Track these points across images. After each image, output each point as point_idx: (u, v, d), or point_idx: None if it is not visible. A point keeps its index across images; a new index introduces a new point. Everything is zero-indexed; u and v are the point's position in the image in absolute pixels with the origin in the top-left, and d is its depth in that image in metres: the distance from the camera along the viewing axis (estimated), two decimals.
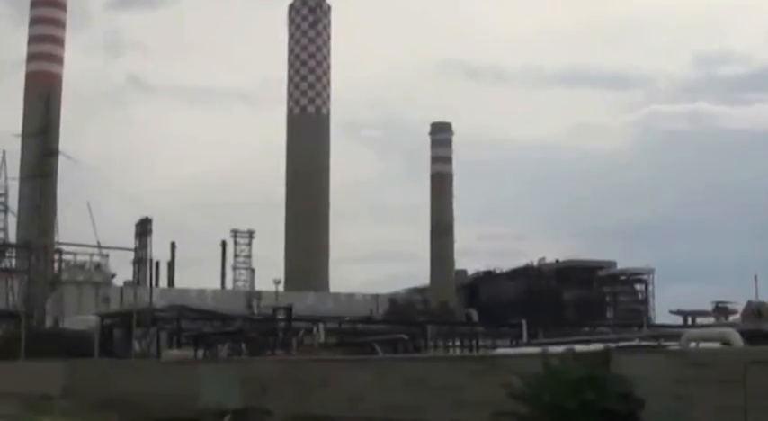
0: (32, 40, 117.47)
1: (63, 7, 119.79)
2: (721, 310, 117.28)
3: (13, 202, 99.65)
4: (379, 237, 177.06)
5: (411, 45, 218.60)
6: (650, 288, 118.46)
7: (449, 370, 20.33)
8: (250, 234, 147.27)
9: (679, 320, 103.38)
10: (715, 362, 15.06)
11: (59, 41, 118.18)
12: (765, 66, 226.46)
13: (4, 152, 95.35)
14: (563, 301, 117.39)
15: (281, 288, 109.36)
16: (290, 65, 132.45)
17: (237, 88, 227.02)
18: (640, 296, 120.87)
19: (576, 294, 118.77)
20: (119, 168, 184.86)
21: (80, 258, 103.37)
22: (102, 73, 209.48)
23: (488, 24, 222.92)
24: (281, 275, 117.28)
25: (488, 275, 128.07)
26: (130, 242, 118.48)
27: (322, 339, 48.27)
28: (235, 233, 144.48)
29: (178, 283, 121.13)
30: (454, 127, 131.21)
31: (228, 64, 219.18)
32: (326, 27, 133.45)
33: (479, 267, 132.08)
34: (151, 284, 79.76)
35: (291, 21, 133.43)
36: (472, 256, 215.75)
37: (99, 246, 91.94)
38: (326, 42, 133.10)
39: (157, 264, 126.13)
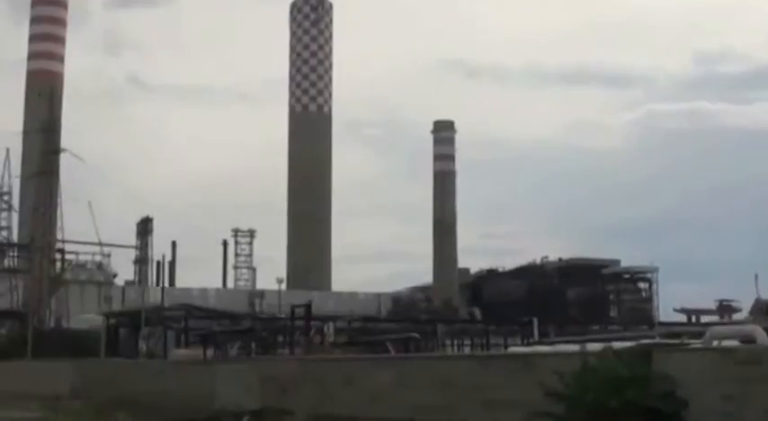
0: (33, 38, 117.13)
1: (64, 5, 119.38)
2: (725, 308, 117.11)
3: (15, 201, 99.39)
4: (380, 236, 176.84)
5: (411, 44, 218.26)
6: (654, 286, 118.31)
7: (479, 369, 19.77)
8: (251, 233, 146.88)
9: (680, 318, 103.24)
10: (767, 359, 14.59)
11: (60, 40, 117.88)
12: (765, 64, 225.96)
13: (7, 150, 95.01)
14: (567, 300, 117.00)
15: (283, 287, 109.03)
16: (292, 63, 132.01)
17: (238, 87, 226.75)
18: (644, 294, 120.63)
19: (579, 292, 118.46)
20: (119, 167, 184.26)
21: (82, 257, 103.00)
22: (102, 72, 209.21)
23: (488, 23, 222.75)
24: (283, 274, 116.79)
25: (491, 274, 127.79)
26: (131, 241, 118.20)
27: (332, 338, 47.74)
28: (236, 232, 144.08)
29: (179, 283, 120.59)
30: (455, 126, 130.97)
31: (230, 63, 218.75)
32: (328, 25, 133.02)
33: (480, 266, 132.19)
34: (163, 284, 79.23)
35: (293, 19, 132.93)
36: (473, 255, 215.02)
37: (100, 244, 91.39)
38: (328, 40, 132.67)
39: (158, 263, 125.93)
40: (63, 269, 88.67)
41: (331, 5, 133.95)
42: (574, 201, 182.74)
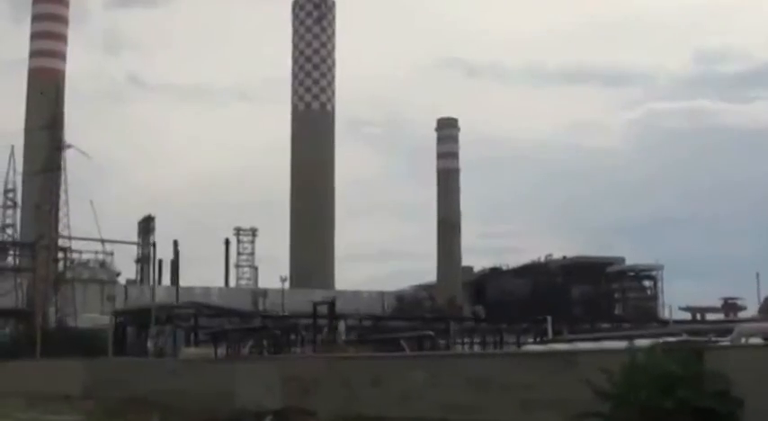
0: (35, 36, 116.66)
1: (65, 3, 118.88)
2: (730, 306, 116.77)
3: (18, 199, 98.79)
4: (381, 235, 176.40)
5: (412, 42, 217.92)
6: (659, 284, 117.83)
7: (515, 367, 19.23)
8: (253, 232, 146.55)
9: (683, 317, 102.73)
10: None
11: (62, 37, 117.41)
12: (766, 62, 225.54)
13: (12, 147, 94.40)
14: (571, 298, 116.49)
15: (286, 285, 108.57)
16: (294, 61, 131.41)
17: (240, 86, 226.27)
18: (649, 292, 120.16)
19: (584, 291, 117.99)
20: (120, 166, 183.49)
21: (85, 256, 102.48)
22: (102, 71, 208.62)
23: (489, 22, 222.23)
24: (285, 273, 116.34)
25: (495, 272, 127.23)
26: (133, 239, 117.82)
27: (343, 336, 47.26)
28: (238, 231, 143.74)
29: (181, 281, 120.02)
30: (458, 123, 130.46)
31: (231, 61, 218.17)
32: (331, 23, 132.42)
33: (481, 265, 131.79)
34: (177, 282, 78.50)
35: (295, 17, 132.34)
36: (473, 254, 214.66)
37: (103, 240, 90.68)
38: (331, 38, 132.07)
39: (160, 262, 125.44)
40: (66, 267, 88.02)
41: (333, 3, 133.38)
42: (574, 199, 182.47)
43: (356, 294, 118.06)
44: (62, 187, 79.02)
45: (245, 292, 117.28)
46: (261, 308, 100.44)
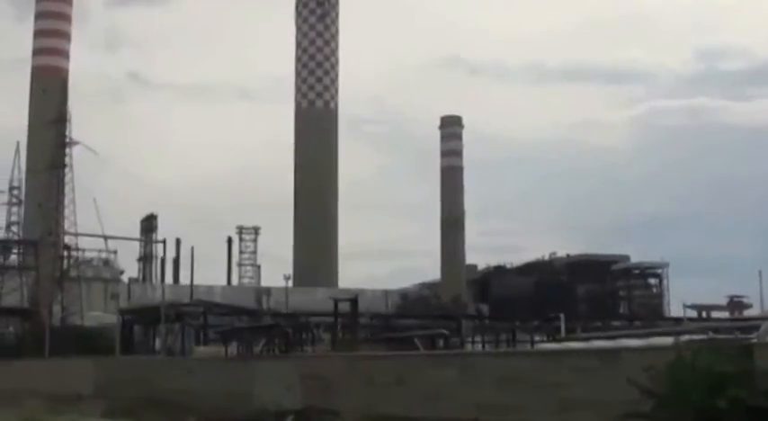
0: (38, 34, 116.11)
1: (69, 1, 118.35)
2: (736, 304, 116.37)
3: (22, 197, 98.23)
4: (383, 233, 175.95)
5: (413, 41, 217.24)
6: (665, 282, 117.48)
7: (550, 366, 18.71)
8: (255, 230, 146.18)
9: (684, 315, 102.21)
10: None
11: (65, 35, 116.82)
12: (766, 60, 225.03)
13: (17, 143, 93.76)
14: (575, 296, 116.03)
15: (290, 283, 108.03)
16: (298, 59, 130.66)
17: (242, 84, 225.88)
18: (654, 290, 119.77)
19: (589, 289, 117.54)
20: (121, 165, 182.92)
21: (88, 254, 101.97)
22: (103, 69, 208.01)
23: (490, 21, 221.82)
24: (287, 271, 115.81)
25: (499, 270, 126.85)
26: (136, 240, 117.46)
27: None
28: (240, 229, 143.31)
29: (183, 280, 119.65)
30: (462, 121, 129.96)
31: (233, 59, 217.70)
32: (334, 21, 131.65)
33: (480, 263, 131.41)
34: (192, 280, 77.86)
35: (299, 14, 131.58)
36: (474, 252, 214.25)
37: (106, 237, 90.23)
38: (334, 36, 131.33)
39: (163, 260, 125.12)
40: (69, 265, 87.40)
41: (337, 0, 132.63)
42: (575, 198, 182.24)
43: (360, 293, 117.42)
44: (69, 184, 78.40)
45: (248, 291, 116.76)
46: (264, 306, 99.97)
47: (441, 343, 44.20)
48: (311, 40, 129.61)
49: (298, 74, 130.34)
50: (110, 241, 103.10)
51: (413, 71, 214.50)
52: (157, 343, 54.00)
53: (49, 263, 77.47)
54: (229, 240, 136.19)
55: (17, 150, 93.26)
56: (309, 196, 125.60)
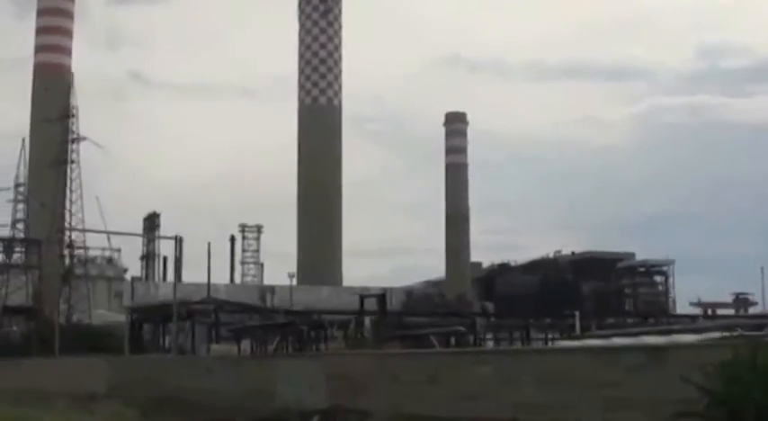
0: (40, 31, 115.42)
1: None
2: (741, 302, 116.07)
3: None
4: (385, 231, 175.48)
5: (415, 39, 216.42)
6: (670, 279, 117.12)
7: (595, 363, 18.11)
8: (258, 229, 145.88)
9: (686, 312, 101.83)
10: None
11: (67, 32, 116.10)
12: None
13: (23, 140, 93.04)
14: (581, 294, 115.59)
15: (294, 281, 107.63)
16: (301, 56, 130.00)
17: (245, 82, 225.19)
18: (660, 288, 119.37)
19: (594, 287, 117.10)
20: (123, 163, 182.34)
21: (92, 253, 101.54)
22: (105, 68, 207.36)
23: (491, 19, 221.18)
24: (288, 269, 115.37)
25: (503, 268, 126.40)
26: (138, 239, 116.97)
27: (368, 333, 46.20)
28: (243, 228, 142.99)
29: (186, 278, 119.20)
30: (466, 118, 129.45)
31: (236, 57, 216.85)
32: (337, 17, 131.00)
33: (485, 261, 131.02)
34: (209, 277, 76.98)
35: (301, 11, 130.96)
36: (475, 250, 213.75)
37: (108, 233, 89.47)
38: (338, 32, 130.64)
39: (165, 259, 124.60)
40: (72, 263, 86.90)
41: None
42: (575, 196, 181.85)
43: (364, 291, 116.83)
44: (76, 181, 77.85)
45: (252, 289, 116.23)
46: (269, 304, 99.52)
47: (454, 340, 43.66)
48: (314, 37, 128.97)
49: (301, 71, 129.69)
50: (113, 240, 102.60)
51: (414, 69, 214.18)
52: (167, 341, 53.61)
53: (54, 262, 76.88)
54: (232, 238, 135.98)
55: (23, 147, 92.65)
56: (313, 193, 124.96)
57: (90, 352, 52.30)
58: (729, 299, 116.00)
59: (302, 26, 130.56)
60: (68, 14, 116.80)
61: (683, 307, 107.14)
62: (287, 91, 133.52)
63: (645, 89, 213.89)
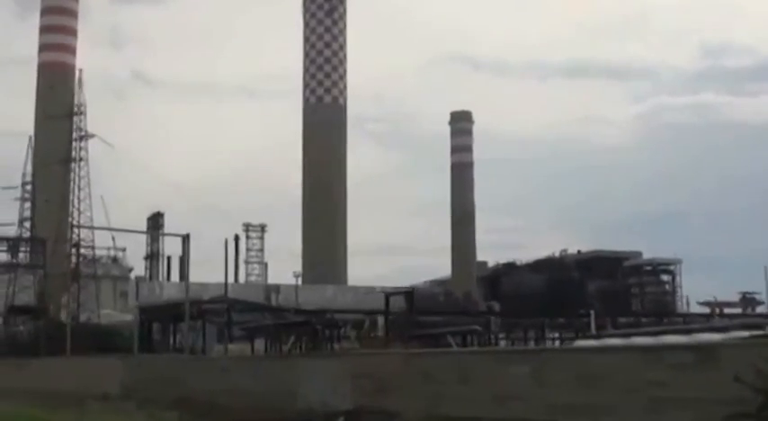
0: (44, 29, 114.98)
1: None
2: (748, 301, 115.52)
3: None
4: (388, 231, 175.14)
5: (417, 38, 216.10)
6: (678, 278, 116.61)
7: (639, 363, 17.49)
8: (262, 228, 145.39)
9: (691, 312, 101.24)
10: None
11: (72, 31, 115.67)
12: None
13: (30, 137, 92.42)
14: (587, 293, 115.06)
15: (299, 281, 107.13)
16: (306, 54, 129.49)
17: (249, 81, 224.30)
18: (667, 287, 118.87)
19: (600, 286, 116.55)
20: (126, 163, 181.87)
21: (97, 252, 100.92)
22: (108, 67, 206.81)
23: (495, 17, 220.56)
24: (294, 269, 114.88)
25: (509, 267, 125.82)
26: (141, 236, 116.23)
27: (380, 332, 45.70)
28: (247, 227, 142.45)
29: (190, 278, 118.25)
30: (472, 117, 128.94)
31: (240, 57, 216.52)
32: (342, 16, 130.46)
33: (489, 260, 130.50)
34: (226, 276, 76.38)
35: (306, 9, 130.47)
36: (481, 250, 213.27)
37: (111, 229, 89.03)
38: (342, 31, 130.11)
39: (169, 258, 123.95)
40: (78, 262, 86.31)
41: None
42: (579, 195, 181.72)
43: (370, 290, 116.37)
44: (85, 179, 77.29)
45: (257, 288, 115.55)
46: (274, 303, 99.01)
47: (471, 340, 43.11)
48: (319, 36, 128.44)
49: (306, 69, 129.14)
50: (118, 239, 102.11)
51: (417, 69, 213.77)
52: (177, 341, 53.06)
53: (60, 260, 76.32)
54: (236, 238, 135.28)
55: (30, 145, 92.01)
56: (318, 192, 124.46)
57: (98, 351, 51.81)
58: (731, 298, 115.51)
59: (307, 24, 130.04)
60: (72, 13, 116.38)
61: (690, 306, 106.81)
62: (291, 89, 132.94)
63: (649, 88, 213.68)
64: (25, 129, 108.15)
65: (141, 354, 44.34)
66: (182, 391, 32.29)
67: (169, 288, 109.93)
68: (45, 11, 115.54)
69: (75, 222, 76.82)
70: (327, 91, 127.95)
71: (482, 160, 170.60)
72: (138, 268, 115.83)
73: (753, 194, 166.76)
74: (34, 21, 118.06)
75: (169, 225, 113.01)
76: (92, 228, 78.00)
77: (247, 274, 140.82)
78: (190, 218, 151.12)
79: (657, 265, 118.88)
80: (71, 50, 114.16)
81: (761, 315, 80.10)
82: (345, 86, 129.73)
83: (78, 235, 73.83)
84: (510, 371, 20.10)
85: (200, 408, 29.92)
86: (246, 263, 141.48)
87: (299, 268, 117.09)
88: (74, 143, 77.72)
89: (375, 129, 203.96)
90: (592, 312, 49.35)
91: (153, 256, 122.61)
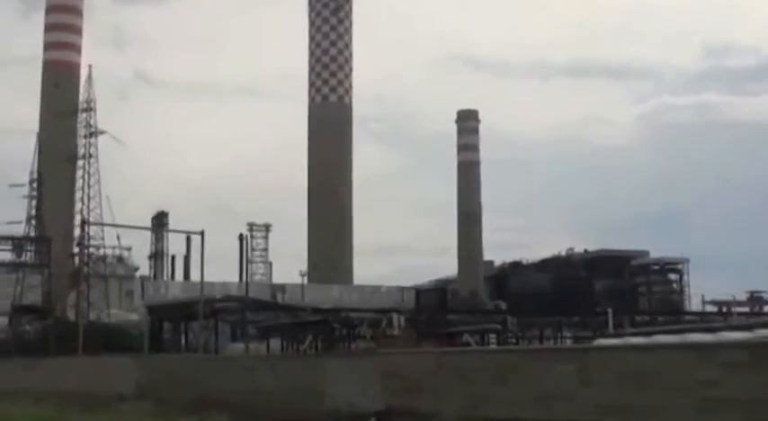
0: (49, 28, 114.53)
1: None
2: (756, 300, 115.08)
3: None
4: (394, 230, 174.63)
5: (420, 38, 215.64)
6: (685, 277, 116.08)
7: (689, 361, 16.91)
8: (267, 227, 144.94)
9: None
10: None
11: (77, 30, 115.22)
12: None
13: (37, 134, 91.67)
14: (594, 292, 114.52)
15: (305, 280, 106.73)
16: (311, 53, 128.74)
17: (254, 81, 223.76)
18: (675, 286, 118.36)
19: (607, 285, 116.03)
20: (128, 162, 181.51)
21: (100, 251, 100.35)
22: (111, 66, 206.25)
23: (498, 17, 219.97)
24: (299, 268, 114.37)
25: (516, 266, 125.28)
26: (145, 236, 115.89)
27: (396, 331, 45.12)
28: (251, 226, 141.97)
29: (194, 277, 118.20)
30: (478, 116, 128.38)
31: (245, 56, 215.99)
32: (348, 14, 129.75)
33: (494, 260, 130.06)
34: (247, 275, 75.89)
35: (312, 7, 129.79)
36: (487, 249, 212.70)
37: (122, 226, 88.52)
38: (348, 30, 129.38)
39: (173, 257, 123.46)
40: (90, 259, 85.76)
41: None
42: (582, 195, 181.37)
43: (376, 289, 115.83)
44: (95, 176, 76.71)
45: (263, 287, 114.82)
46: (280, 303, 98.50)
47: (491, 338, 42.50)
48: (325, 34, 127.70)
49: (311, 68, 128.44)
50: (123, 238, 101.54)
51: (420, 69, 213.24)
52: (189, 340, 52.45)
53: (67, 259, 75.78)
54: (241, 237, 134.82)
55: (38, 141, 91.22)
56: (324, 191, 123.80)
57: (107, 351, 51.27)
58: (736, 297, 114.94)
59: (312, 23, 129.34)
60: (78, 11, 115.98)
61: (696, 305, 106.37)
62: (296, 89, 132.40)
63: (651, 88, 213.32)
64: (30, 127, 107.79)
65: (154, 354, 43.67)
66: (201, 391, 31.69)
67: (174, 287, 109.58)
68: (50, 9, 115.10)
69: (84, 219, 76.17)
70: (333, 90, 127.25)
71: (486, 160, 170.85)
72: (143, 268, 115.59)
73: (755, 194, 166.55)
74: (38, 19, 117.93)
75: (173, 225, 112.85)
76: (102, 224, 77.36)
77: (252, 274, 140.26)
78: (194, 217, 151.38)
79: (665, 264, 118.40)
80: (76, 49, 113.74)
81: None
82: (351, 85, 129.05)
83: (88, 232, 73.15)
84: (553, 370, 19.51)
85: (223, 409, 29.30)
86: (251, 262, 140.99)
87: (303, 268, 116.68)
88: (84, 140, 77.05)
89: (381, 127, 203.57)
90: (609, 311, 48.75)
91: (157, 256, 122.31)
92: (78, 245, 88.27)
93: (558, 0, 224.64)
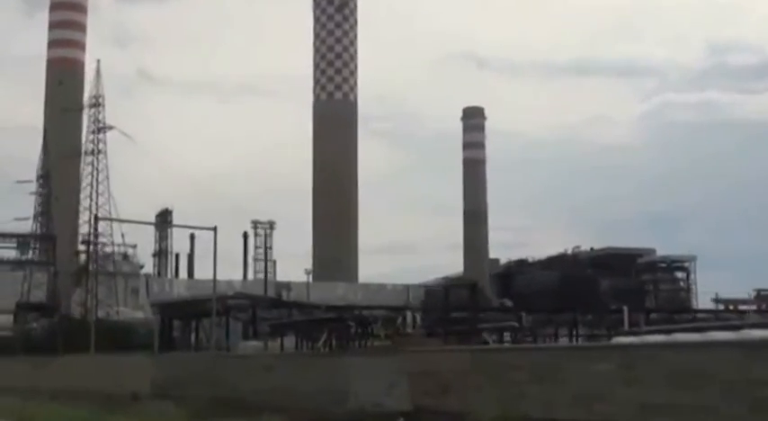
0: (53, 25, 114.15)
1: None
2: (763, 298, 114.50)
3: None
4: (397, 229, 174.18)
5: (423, 37, 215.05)
6: (692, 276, 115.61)
7: (740, 359, 16.40)
8: (271, 225, 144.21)
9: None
10: None
11: (81, 27, 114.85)
12: None
13: (45, 130, 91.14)
14: (601, 290, 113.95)
15: (310, 278, 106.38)
16: (316, 50, 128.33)
17: (259, 79, 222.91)
18: (681, 284, 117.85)
19: (614, 283, 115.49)
20: (130, 162, 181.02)
21: (108, 249, 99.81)
22: (114, 64, 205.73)
23: (501, 15, 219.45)
24: (303, 266, 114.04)
25: (521, 264, 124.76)
26: (149, 235, 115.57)
27: (410, 329, 44.62)
28: (255, 224, 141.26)
29: (198, 275, 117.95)
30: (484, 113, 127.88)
31: (249, 55, 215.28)
32: (353, 11, 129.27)
33: (499, 258, 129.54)
34: (266, 273, 75.49)
35: (317, 5, 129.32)
36: (492, 248, 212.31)
37: (120, 220, 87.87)
38: (353, 27, 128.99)
39: (177, 255, 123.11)
40: (93, 259, 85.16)
41: None
42: (585, 194, 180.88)
43: (381, 287, 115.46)
44: (103, 172, 76.19)
45: (269, 285, 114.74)
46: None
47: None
48: (329, 31, 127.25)
49: (316, 66, 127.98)
50: (128, 236, 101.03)
51: (424, 68, 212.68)
52: (199, 338, 51.96)
53: (73, 256, 75.30)
54: (245, 235, 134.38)
55: (45, 137, 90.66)
56: (329, 189, 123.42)
57: (116, 349, 50.78)
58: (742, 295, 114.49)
59: (317, 20, 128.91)
60: (82, 9, 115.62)
61: (703, 303, 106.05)
62: (301, 86, 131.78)
63: (656, 86, 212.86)
64: (35, 124, 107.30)
65: (170, 352, 43.18)
66: (220, 390, 31.16)
67: (179, 285, 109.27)
68: (54, 6, 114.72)
69: (93, 215, 75.62)
70: (338, 87, 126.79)
71: (489, 158, 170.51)
72: (147, 266, 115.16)
73: (759, 192, 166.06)
74: (42, 17, 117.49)
75: (177, 222, 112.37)
76: (111, 219, 76.85)
77: (256, 272, 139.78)
78: (198, 215, 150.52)
79: (672, 262, 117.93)
80: (80, 46, 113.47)
81: None
82: (356, 83, 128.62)
83: (96, 228, 72.62)
84: (592, 368, 18.99)
85: (243, 408, 28.76)
86: (255, 260, 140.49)
87: (308, 265, 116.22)
88: (92, 135, 76.55)
89: (381, 127, 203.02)
90: (625, 308, 48.28)
91: (161, 253, 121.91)
92: (84, 242, 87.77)
93: (562, 2, 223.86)
